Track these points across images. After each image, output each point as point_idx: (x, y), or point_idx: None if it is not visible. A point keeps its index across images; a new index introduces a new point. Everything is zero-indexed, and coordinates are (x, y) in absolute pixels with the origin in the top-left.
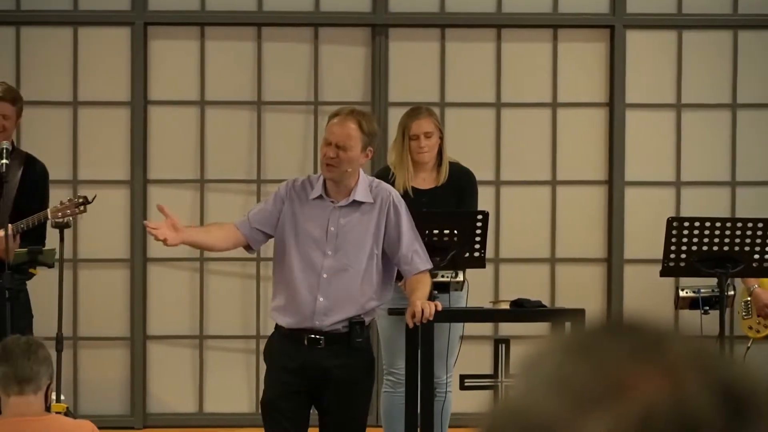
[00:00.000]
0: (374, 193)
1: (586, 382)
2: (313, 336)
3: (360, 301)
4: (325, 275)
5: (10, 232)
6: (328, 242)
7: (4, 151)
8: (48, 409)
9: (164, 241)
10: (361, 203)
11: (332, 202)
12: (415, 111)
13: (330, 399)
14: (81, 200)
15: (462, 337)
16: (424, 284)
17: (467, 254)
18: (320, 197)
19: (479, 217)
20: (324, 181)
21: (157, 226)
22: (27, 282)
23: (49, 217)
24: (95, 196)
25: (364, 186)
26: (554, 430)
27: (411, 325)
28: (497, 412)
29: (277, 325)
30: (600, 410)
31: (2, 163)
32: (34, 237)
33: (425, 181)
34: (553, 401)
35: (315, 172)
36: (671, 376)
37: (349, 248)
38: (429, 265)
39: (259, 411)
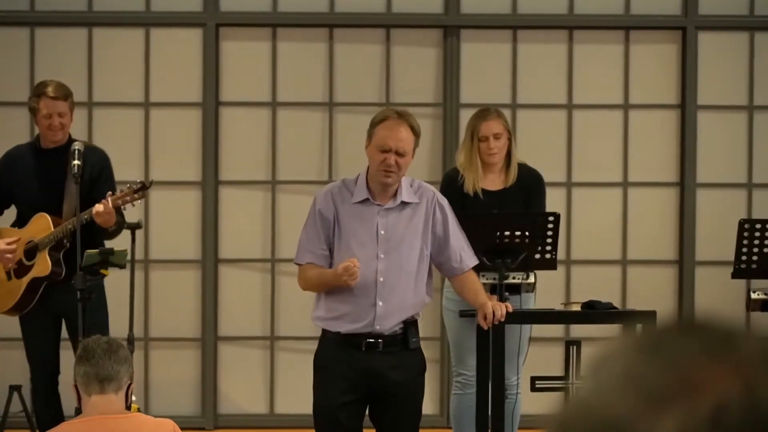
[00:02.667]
0: (418, 193)
1: (657, 381)
2: (371, 340)
3: (415, 302)
4: (381, 279)
5: (109, 203)
6: (380, 245)
7: (77, 152)
8: (129, 408)
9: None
10: (407, 204)
11: (378, 204)
12: (484, 112)
13: (387, 401)
14: (138, 185)
15: (530, 339)
16: (480, 284)
17: (538, 256)
18: (365, 200)
19: (550, 218)
20: (367, 183)
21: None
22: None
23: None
24: (152, 182)
25: (406, 186)
26: (626, 428)
27: (485, 327)
28: (567, 410)
29: (327, 331)
30: (671, 408)
31: (75, 164)
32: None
33: (494, 182)
34: (624, 400)
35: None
36: (742, 373)
37: (402, 250)
38: (476, 261)
39: None
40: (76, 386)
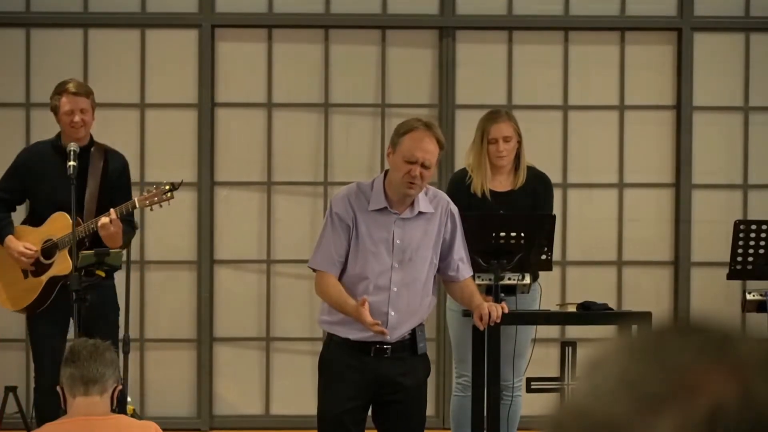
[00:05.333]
0: (434, 201)
1: (653, 382)
2: (379, 346)
3: (422, 310)
4: (395, 289)
5: (114, 216)
6: (394, 255)
7: (72, 153)
8: (116, 411)
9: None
10: (423, 213)
11: (395, 213)
12: (495, 114)
13: (394, 407)
14: (168, 187)
15: (534, 341)
16: (475, 286)
17: (534, 257)
18: (382, 209)
19: (546, 219)
20: (385, 192)
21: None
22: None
23: (137, 205)
24: (182, 182)
25: (422, 195)
26: (621, 430)
27: (481, 328)
28: (563, 412)
29: (333, 335)
30: (667, 410)
31: (70, 165)
32: (124, 227)
33: (502, 184)
34: (620, 402)
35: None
36: (738, 374)
37: (415, 260)
38: (471, 272)
39: None
40: (61, 388)
